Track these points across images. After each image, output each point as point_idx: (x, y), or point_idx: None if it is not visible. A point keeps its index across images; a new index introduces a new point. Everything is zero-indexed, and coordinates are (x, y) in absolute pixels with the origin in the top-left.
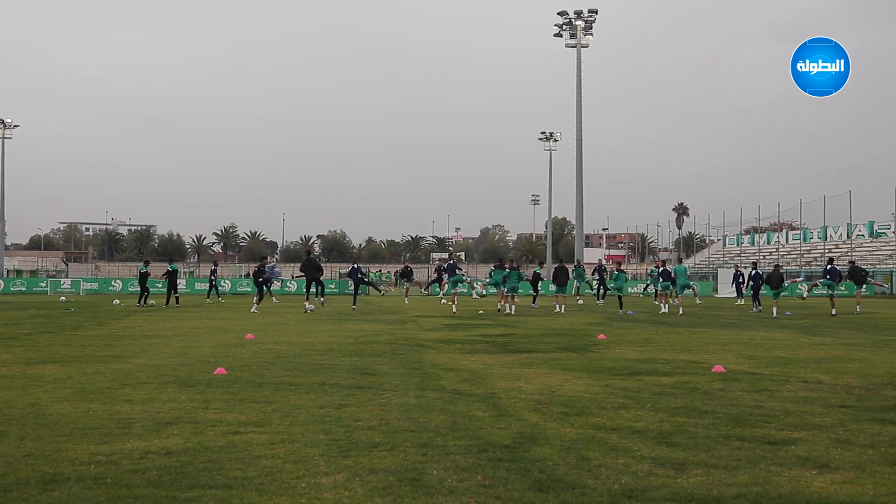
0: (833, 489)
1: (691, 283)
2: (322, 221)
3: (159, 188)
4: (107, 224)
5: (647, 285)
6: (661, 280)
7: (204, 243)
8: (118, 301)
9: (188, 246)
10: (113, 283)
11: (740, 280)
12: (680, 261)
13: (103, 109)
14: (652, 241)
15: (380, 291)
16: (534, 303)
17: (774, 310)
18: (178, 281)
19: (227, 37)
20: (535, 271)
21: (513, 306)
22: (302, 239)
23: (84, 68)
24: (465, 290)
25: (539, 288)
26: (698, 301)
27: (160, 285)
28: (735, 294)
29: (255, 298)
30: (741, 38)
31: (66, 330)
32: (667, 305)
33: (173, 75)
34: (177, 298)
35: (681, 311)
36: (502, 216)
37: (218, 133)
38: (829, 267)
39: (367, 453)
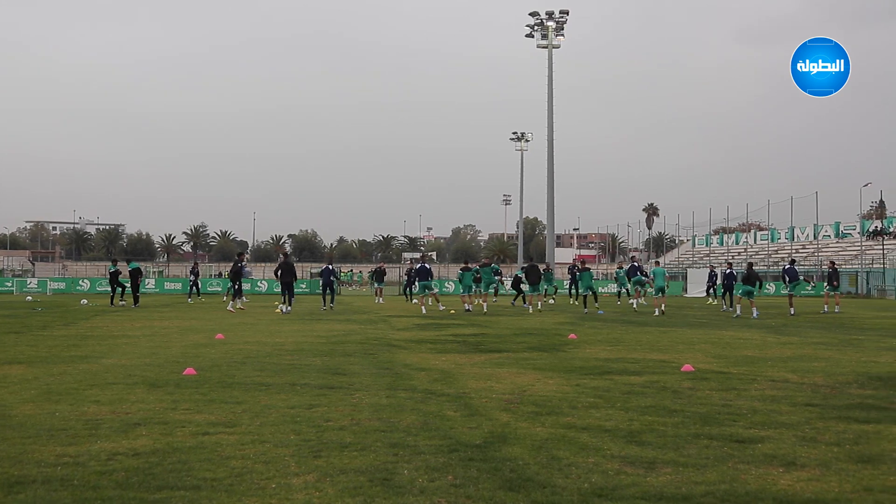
0: (799, 487)
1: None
2: (293, 221)
3: (128, 187)
4: (74, 223)
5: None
6: (631, 276)
7: (173, 242)
8: (86, 301)
9: (157, 245)
10: (81, 282)
11: (714, 280)
12: (657, 263)
13: (70, 105)
14: (622, 242)
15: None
16: (516, 301)
17: (754, 311)
18: (147, 280)
19: (196, 30)
20: (516, 274)
21: (484, 304)
22: (273, 238)
23: (50, 63)
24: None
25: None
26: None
27: (128, 286)
28: (706, 294)
29: (228, 296)
30: (709, 41)
31: (33, 330)
32: (641, 301)
33: (141, 70)
34: (136, 299)
35: (659, 311)
36: (474, 216)
37: (187, 131)
38: (787, 267)
39: (338, 453)
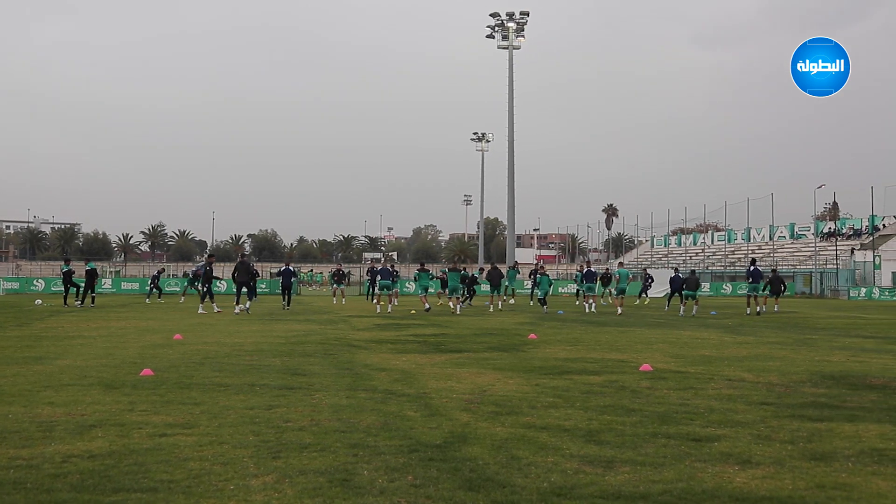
0: (754, 484)
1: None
2: (253, 220)
3: (84, 186)
4: (28, 222)
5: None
6: (584, 282)
7: (131, 242)
8: (40, 301)
9: (114, 245)
10: (35, 282)
11: (648, 282)
12: (620, 265)
13: (22, 97)
14: (582, 242)
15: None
16: (470, 302)
17: (694, 308)
18: (104, 280)
19: (154, 19)
20: (472, 274)
21: (458, 306)
22: (232, 238)
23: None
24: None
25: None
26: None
27: (82, 286)
28: (641, 294)
29: (205, 298)
30: (667, 45)
31: None
32: (594, 305)
33: (96, 61)
34: (93, 298)
35: (619, 311)
36: (435, 216)
37: (144, 128)
38: (752, 269)
39: (297, 454)
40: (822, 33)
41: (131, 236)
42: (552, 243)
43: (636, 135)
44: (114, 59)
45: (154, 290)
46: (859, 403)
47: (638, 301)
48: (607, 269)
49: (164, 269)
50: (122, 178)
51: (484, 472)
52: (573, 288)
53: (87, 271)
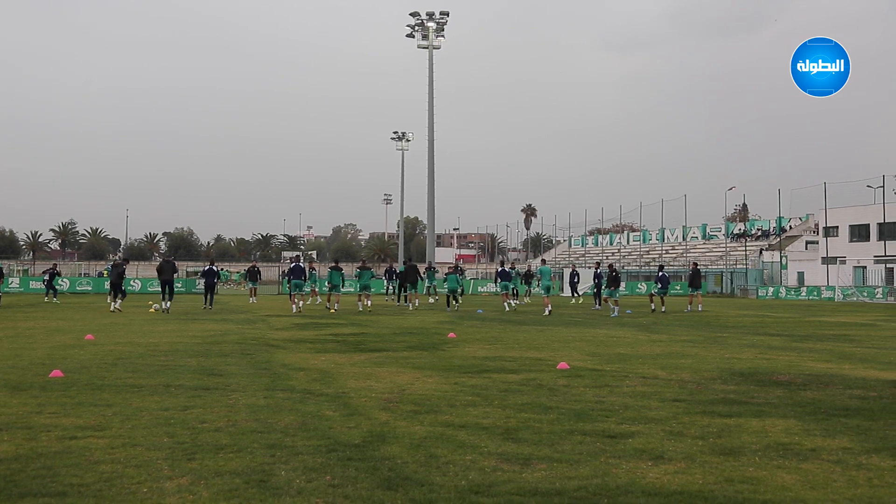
0: (666, 479)
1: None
2: (168, 218)
3: None
4: None
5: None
6: (499, 280)
7: (40, 240)
8: None
9: (22, 243)
10: None
11: (575, 280)
12: (543, 262)
13: None
14: (501, 242)
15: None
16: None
17: (614, 308)
18: (10, 280)
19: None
20: (399, 270)
21: (368, 301)
22: (147, 236)
23: None
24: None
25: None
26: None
27: None
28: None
29: (116, 298)
30: (579, 50)
31: None
32: (514, 303)
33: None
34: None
35: (547, 311)
36: (354, 215)
37: (53, 122)
38: (660, 274)
39: (213, 456)
40: (727, 39)
41: (40, 234)
42: (472, 243)
43: (554, 137)
44: (13, 41)
45: (49, 290)
46: (766, 399)
47: (573, 301)
48: (529, 266)
49: (56, 265)
50: (31, 173)
51: (402, 471)
52: (493, 287)
53: None
